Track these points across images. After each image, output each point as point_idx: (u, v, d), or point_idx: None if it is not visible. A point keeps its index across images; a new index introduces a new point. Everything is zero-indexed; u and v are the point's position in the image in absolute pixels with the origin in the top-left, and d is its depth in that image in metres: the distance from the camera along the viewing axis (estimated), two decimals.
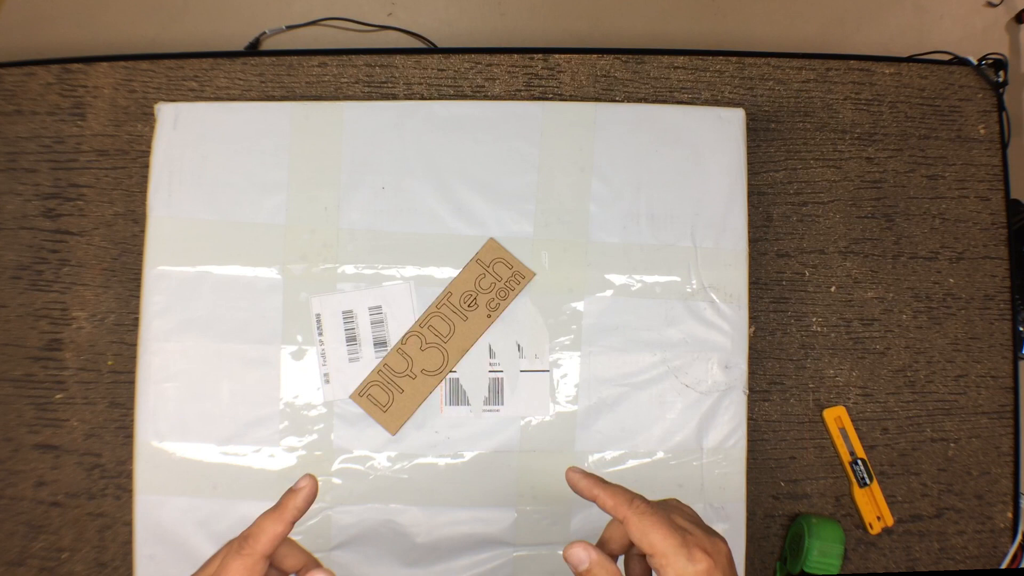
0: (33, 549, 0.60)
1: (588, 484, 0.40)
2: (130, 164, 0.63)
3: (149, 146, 0.60)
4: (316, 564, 0.40)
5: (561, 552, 0.58)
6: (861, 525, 0.63)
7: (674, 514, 0.39)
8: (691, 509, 0.42)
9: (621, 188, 0.61)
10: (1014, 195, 0.67)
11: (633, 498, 0.39)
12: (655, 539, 0.36)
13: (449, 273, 0.59)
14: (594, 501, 0.40)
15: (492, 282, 0.59)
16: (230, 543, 0.37)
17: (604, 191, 0.60)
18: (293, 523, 0.37)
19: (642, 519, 0.37)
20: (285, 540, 0.38)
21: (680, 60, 0.66)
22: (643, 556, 0.40)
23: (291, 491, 0.38)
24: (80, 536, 0.60)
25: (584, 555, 0.38)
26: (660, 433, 0.59)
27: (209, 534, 0.57)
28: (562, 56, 0.65)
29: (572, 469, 0.42)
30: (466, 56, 0.65)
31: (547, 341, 0.59)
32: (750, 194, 0.62)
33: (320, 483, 0.58)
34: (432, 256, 0.60)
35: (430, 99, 0.64)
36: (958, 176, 0.66)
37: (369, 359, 0.59)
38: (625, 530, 0.39)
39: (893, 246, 0.65)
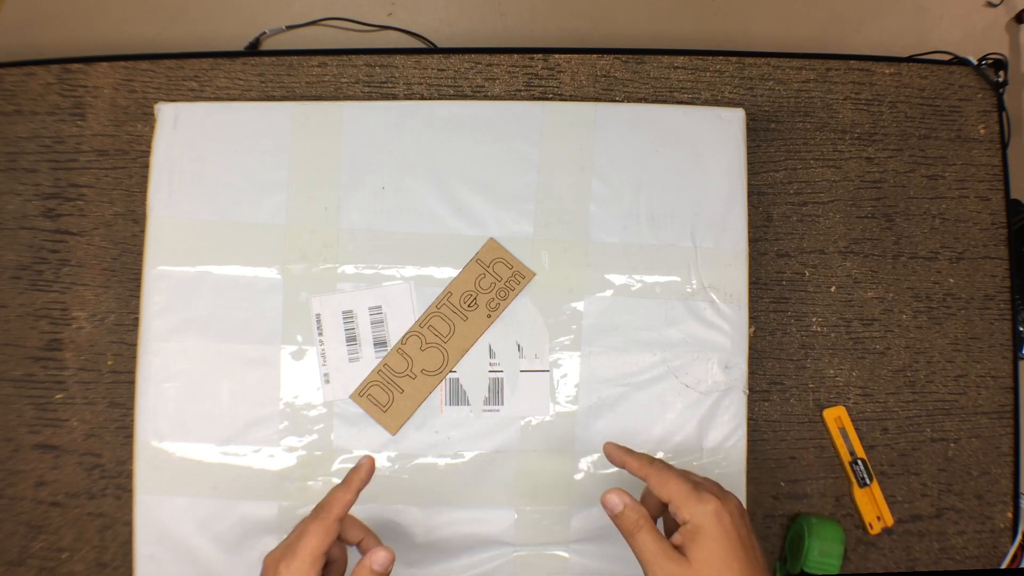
0: (33, 549, 0.60)
1: (618, 453, 0.47)
2: (130, 164, 0.63)
3: (149, 146, 0.60)
4: (376, 540, 0.48)
5: (560, 552, 0.58)
6: (861, 525, 0.63)
7: (690, 474, 0.45)
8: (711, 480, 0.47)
9: (621, 188, 0.61)
10: (1014, 195, 0.67)
11: (653, 460, 0.46)
12: (671, 487, 0.43)
13: (449, 273, 0.59)
14: (623, 467, 0.46)
15: (492, 282, 0.59)
16: (308, 517, 0.44)
17: (604, 191, 0.60)
18: (359, 491, 0.46)
19: (660, 473, 0.44)
20: (348, 516, 0.46)
21: (680, 60, 0.66)
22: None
23: (354, 469, 0.47)
24: (80, 536, 0.60)
25: (618, 500, 0.43)
26: (660, 433, 0.59)
27: (209, 534, 0.57)
28: (562, 56, 0.65)
29: (609, 444, 0.49)
30: (466, 56, 0.65)
31: (547, 341, 0.59)
32: (750, 194, 0.62)
33: (320, 483, 0.58)
34: (432, 256, 0.60)
35: (430, 99, 0.64)
36: (958, 176, 0.66)
37: (369, 359, 0.59)
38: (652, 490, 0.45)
39: (893, 246, 0.65)
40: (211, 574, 0.57)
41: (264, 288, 0.59)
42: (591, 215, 0.60)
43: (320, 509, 0.44)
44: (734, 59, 0.66)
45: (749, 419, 0.61)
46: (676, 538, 0.42)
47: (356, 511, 0.58)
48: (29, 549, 0.60)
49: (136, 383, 0.58)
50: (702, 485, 0.43)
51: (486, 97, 0.65)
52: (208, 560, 0.57)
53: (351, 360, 0.59)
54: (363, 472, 0.47)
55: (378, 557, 0.42)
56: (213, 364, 0.58)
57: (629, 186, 0.61)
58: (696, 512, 0.41)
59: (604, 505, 0.44)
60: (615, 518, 0.44)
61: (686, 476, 0.44)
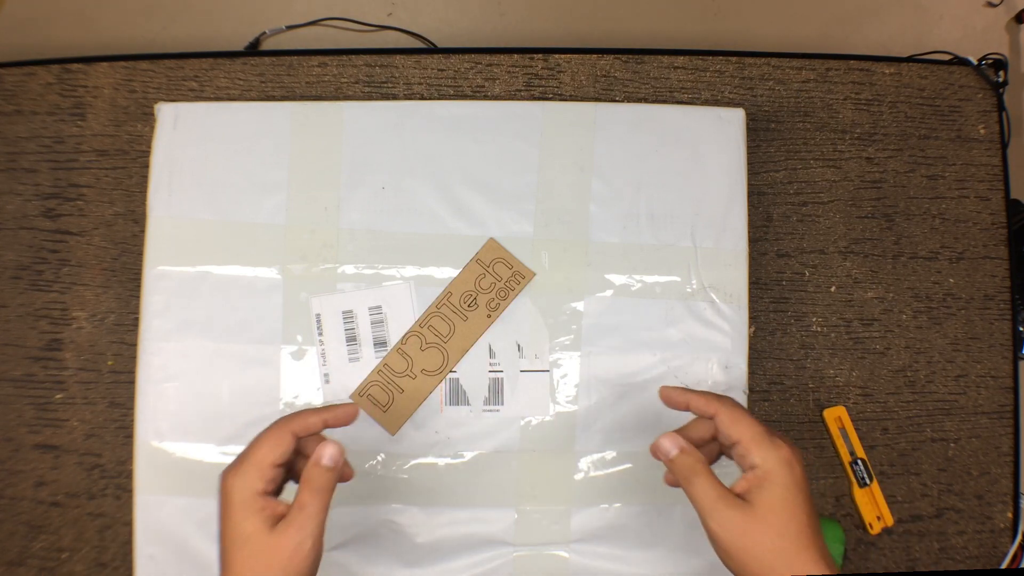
0: (33, 549, 0.60)
1: (678, 393, 0.44)
2: (130, 164, 0.63)
3: (149, 146, 0.60)
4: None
5: (560, 552, 0.58)
6: (861, 525, 0.63)
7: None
8: None
9: (621, 188, 0.61)
10: (1014, 195, 0.67)
11: (722, 397, 0.42)
12: (743, 427, 0.39)
13: (449, 273, 0.59)
14: (687, 407, 0.44)
15: (492, 282, 0.59)
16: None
17: (604, 191, 0.60)
18: (326, 421, 0.43)
19: (732, 410, 0.41)
20: (318, 437, 0.44)
21: (680, 60, 0.66)
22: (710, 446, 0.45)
23: (334, 406, 0.45)
24: (80, 536, 0.60)
25: (671, 444, 0.41)
26: (660, 433, 0.59)
27: (209, 534, 0.57)
28: (562, 56, 0.65)
29: (665, 387, 0.46)
30: (466, 56, 0.65)
31: (547, 341, 0.59)
32: (750, 194, 0.62)
33: None
34: (432, 256, 0.60)
35: (430, 99, 0.64)
36: (958, 176, 0.66)
37: (369, 359, 0.59)
38: (710, 426, 0.43)
39: (893, 246, 0.65)
40: (211, 574, 0.57)
41: (264, 288, 0.59)
42: (591, 215, 0.60)
43: (276, 421, 0.43)
44: (734, 59, 0.66)
45: None
46: (739, 484, 0.39)
47: (355, 511, 0.58)
48: (29, 549, 0.60)
49: (136, 383, 0.58)
50: (774, 430, 0.40)
51: (486, 97, 0.65)
52: (208, 560, 0.57)
53: (351, 360, 0.59)
54: (340, 413, 0.44)
55: (326, 452, 0.41)
56: (213, 364, 0.58)
57: (629, 186, 0.61)
58: (768, 457, 0.38)
59: (656, 451, 0.42)
60: (669, 463, 0.41)
61: (757, 418, 0.41)
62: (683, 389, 0.45)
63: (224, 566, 0.39)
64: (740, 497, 0.38)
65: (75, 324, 0.62)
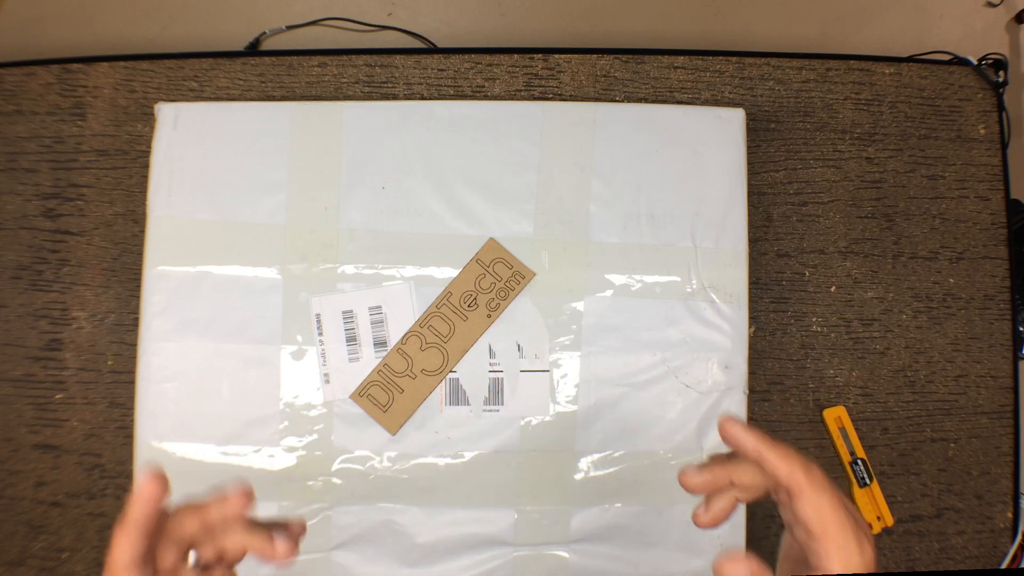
0: (33, 549, 0.60)
1: (755, 443, 0.34)
2: (130, 164, 0.63)
3: (149, 146, 0.60)
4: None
5: (560, 552, 0.58)
6: None
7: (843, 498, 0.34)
8: None
9: (621, 188, 0.61)
10: (1014, 195, 0.67)
11: (810, 465, 0.33)
12: (830, 522, 0.32)
13: (449, 273, 0.59)
14: (759, 462, 0.34)
15: (492, 282, 0.59)
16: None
17: (604, 191, 0.60)
18: (142, 531, 0.34)
19: (820, 496, 0.32)
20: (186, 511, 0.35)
21: (680, 60, 0.66)
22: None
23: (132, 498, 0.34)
24: (80, 536, 0.60)
25: (744, 572, 0.31)
26: (660, 433, 0.59)
27: None
28: (562, 56, 0.65)
29: (731, 420, 0.35)
30: (466, 56, 0.65)
31: (547, 341, 0.59)
32: (750, 194, 0.62)
33: (320, 483, 0.58)
34: (432, 256, 0.59)
35: (430, 99, 0.64)
36: (958, 176, 0.66)
37: (369, 359, 0.59)
38: (756, 472, 0.34)
39: (893, 246, 0.65)
40: None
41: (264, 288, 0.59)
42: (591, 215, 0.60)
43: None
44: (734, 59, 0.66)
45: (749, 419, 0.61)
46: None
47: (355, 511, 0.58)
48: (29, 549, 0.60)
49: (136, 383, 0.58)
50: (861, 522, 0.33)
51: (486, 97, 0.65)
52: None
53: (351, 360, 0.59)
54: (137, 506, 0.35)
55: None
56: (213, 364, 0.58)
57: (629, 186, 0.61)
58: (852, 566, 0.31)
59: None
60: None
61: (847, 506, 0.33)
62: (758, 436, 0.34)
63: None
64: None
65: (75, 324, 0.62)
